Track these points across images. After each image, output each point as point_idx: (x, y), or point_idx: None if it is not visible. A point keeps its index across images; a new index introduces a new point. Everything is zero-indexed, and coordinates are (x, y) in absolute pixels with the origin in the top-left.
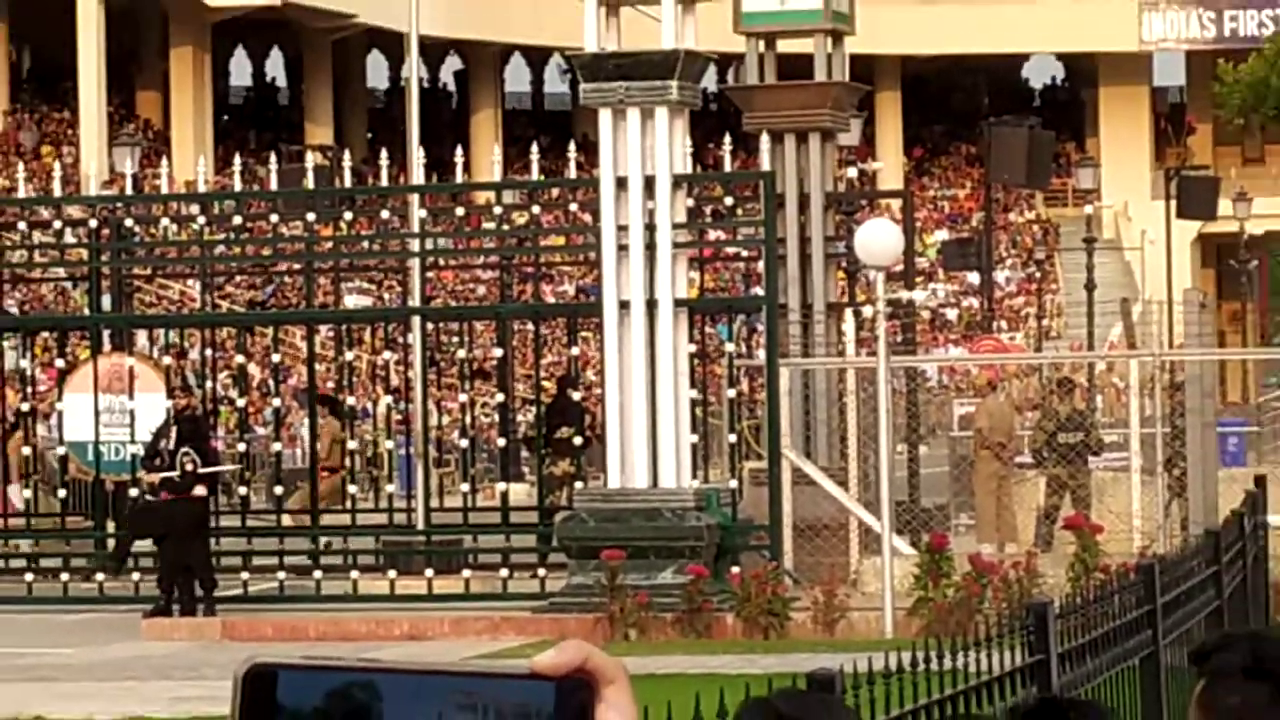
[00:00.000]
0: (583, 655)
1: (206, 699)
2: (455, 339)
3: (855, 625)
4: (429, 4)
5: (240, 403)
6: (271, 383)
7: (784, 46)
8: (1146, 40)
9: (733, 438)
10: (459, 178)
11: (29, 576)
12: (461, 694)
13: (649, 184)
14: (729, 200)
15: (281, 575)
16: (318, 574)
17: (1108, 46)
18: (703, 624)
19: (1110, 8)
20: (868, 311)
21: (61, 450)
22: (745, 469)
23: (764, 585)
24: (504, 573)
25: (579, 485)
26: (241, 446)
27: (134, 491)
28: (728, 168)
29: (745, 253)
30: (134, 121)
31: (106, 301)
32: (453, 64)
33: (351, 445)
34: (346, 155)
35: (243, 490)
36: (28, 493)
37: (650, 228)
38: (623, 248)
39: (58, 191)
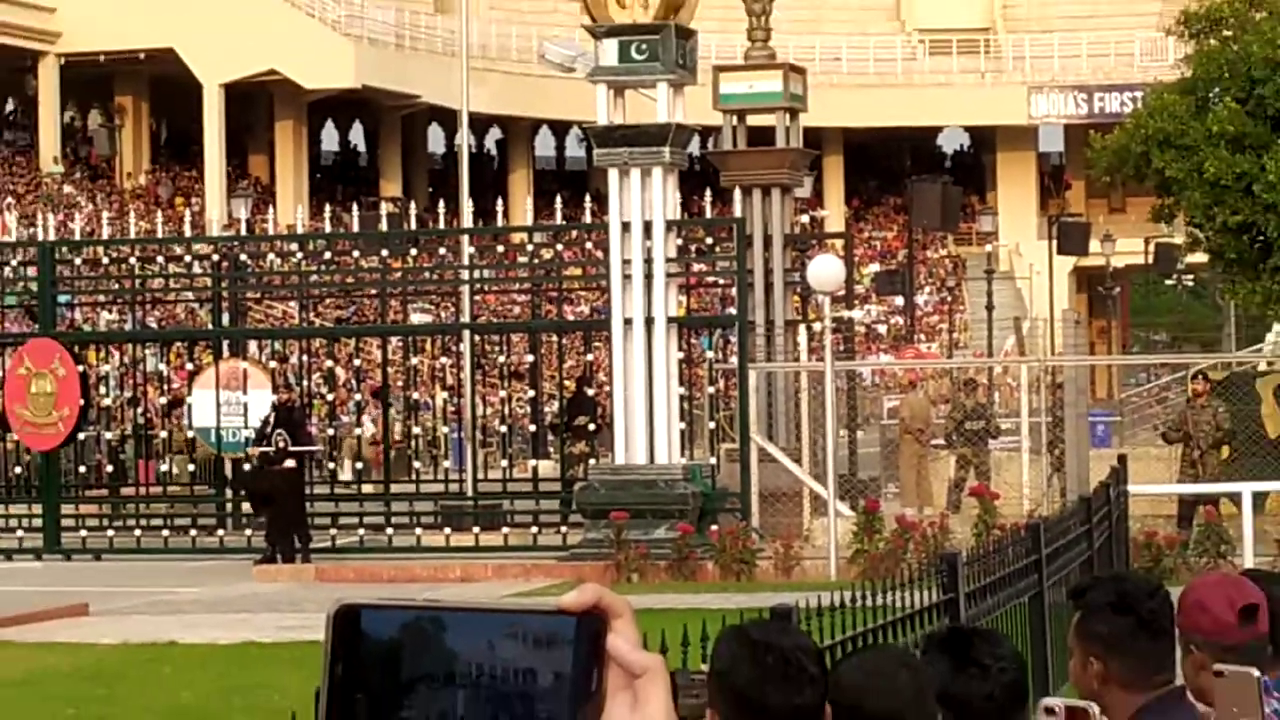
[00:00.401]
0: (596, 595)
1: (304, 628)
2: (496, 348)
3: (807, 570)
4: (476, 87)
5: (329, 397)
6: (354, 382)
7: (752, 120)
8: (1034, 116)
9: (712, 425)
10: (499, 222)
11: (165, 532)
12: (505, 626)
13: (647, 227)
14: (709, 240)
15: (361, 531)
16: (389, 530)
17: (1003, 121)
18: (689, 570)
19: (1005, 91)
20: (817, 327)
21: (191, 434)
22: (721, 449)
23: (736, 540)
24: (534, 530)
25: (593, 461)
26: (330, 431)
27: (246, 466)
28: (708, 214)
29: (721, 281)
30: (247, 179)
31: (226, 318)
32: (494, 134)
33: (416, 430)
34: (412, 205)
35: (331, 465)
36: (164, 466)
37: (648, 261)
38: (626, 277)
39: (188, 233)
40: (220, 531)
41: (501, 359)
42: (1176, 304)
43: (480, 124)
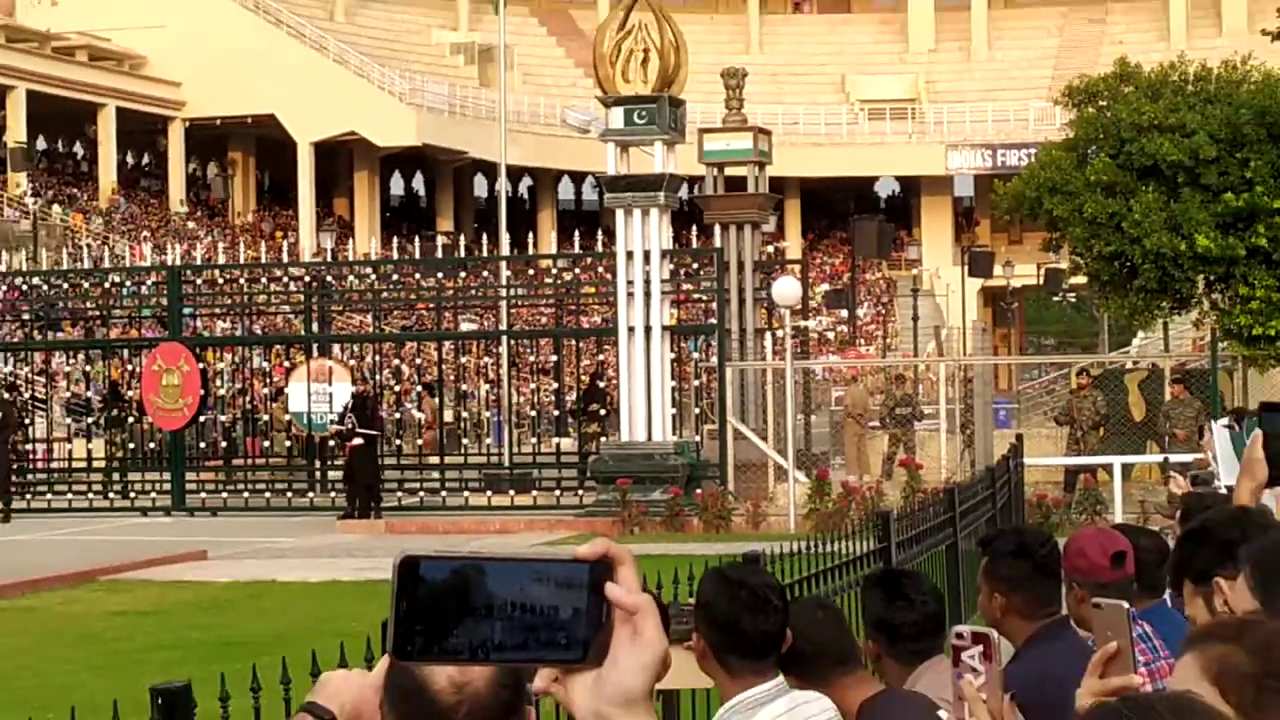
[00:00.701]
0: (605, 547)
1: (377, 570)
2: (527, 350)
3: (772, 524)
4: (511, 145)
5: (396, 389)
6: (415, 376)
7: (729, 171)
8: (950, 168)
9: (696, 411)
10: (530, 251)
11: (267, 494)
12: (533, 572)
13: (646, 255)
14: (694, 265)
15: (421, 494)
16: (443, 493)
17: (926, 172)
18: (678, 524)
19: (927, 149)
20: (779, 333)
21: (288, 417)
22: (704, 430)
23: (715, 500)
24: (557, 492)
25: (603, 439)
26: (396, 416)
27: (330, 442)
28: (694, 245)
29: (704, 297)
30: (331, 217)
31: (315, 326)
32: (526, 182)
33: (464, 415)
34: (461, 238)
35: (397, 442)
36: (267, 442)
37: (646, 282)
38: (630, 294)
39: (285, 259)
40: (310, 494)
41: (531, 358)
42: (1062, 316)
43: (515, 174)
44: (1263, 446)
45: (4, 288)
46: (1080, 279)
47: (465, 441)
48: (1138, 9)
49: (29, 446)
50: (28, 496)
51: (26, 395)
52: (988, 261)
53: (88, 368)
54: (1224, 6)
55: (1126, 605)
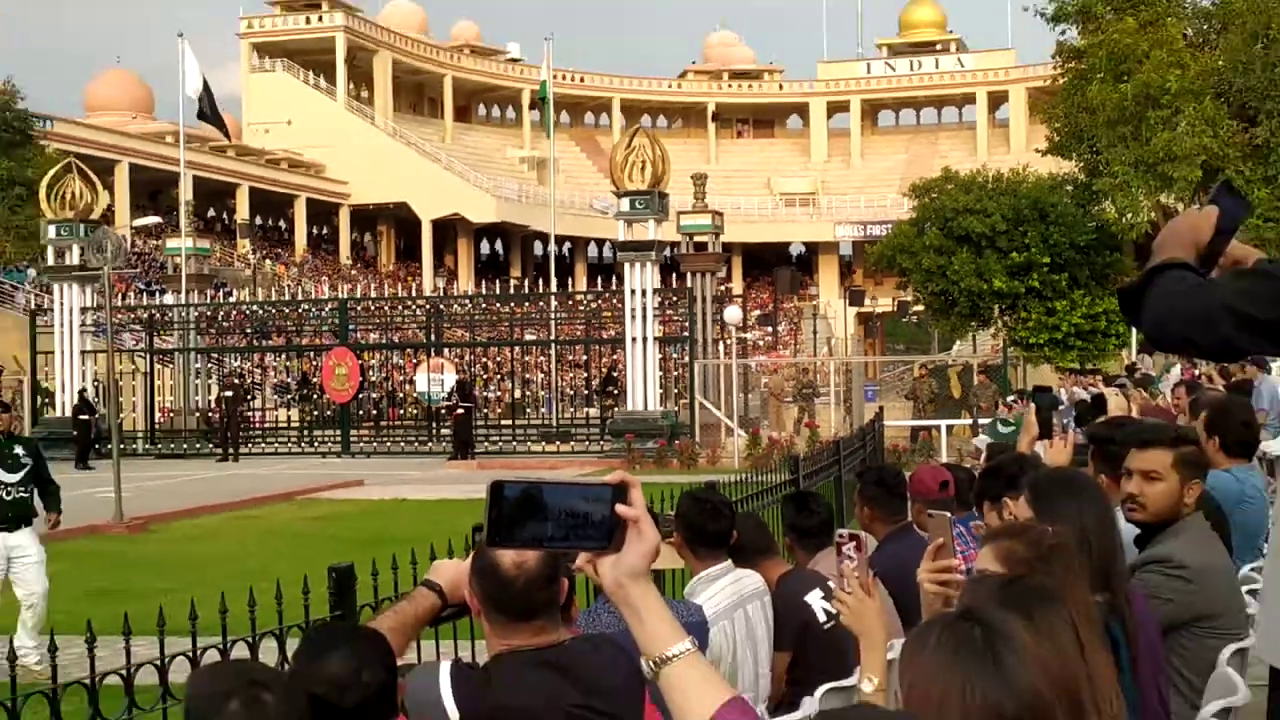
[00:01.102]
0: (621, 476)
1: (473, 491)
2: (568, 352)
3: (723, 464)
4: (558, 220)
5: (484, 377)
6: (496, 369)
7: (696, 238)
8: (837, 237)
9: (675, 391)
10: (569, 289)
11: (402, 444)
12: (577, 491)
13: (643, 293)
14: (674, 298)
15: (500, 443)
16: (514, 443)
17: (822, 239)
18: (664, 463)
19: (823, 224)
20: (728, 342)
21: (416, 395)
22: (680, 403)
23: (687, 448)
24: (587, 443)
25: (616, 409)
26: (485, 395)
27: (443, 411)
28: (674, 286)
29: (680, 319)
30: (443, 267)
31: (432, 337)
32: (567, 245)
33: (527, 394)
34: (525, 282)
35: (485, 411)
36: (401, 411)
37: (643, 309)
38: (633, 317)
39: (413, 294)
40: (429, 444)
41: (570, 358)
42: (908, 331)
43: (560, 240)
44: (1035, 414)
45: (235, 312)
46: (919, 307)
47: (528, 410)
48: (956, 135)
49: (251, 414)
50: (249, 446)
51: (249, 381)
52: (860, 296)
53: (288, 364)
54: (1011, 133)
55: (949, 515)
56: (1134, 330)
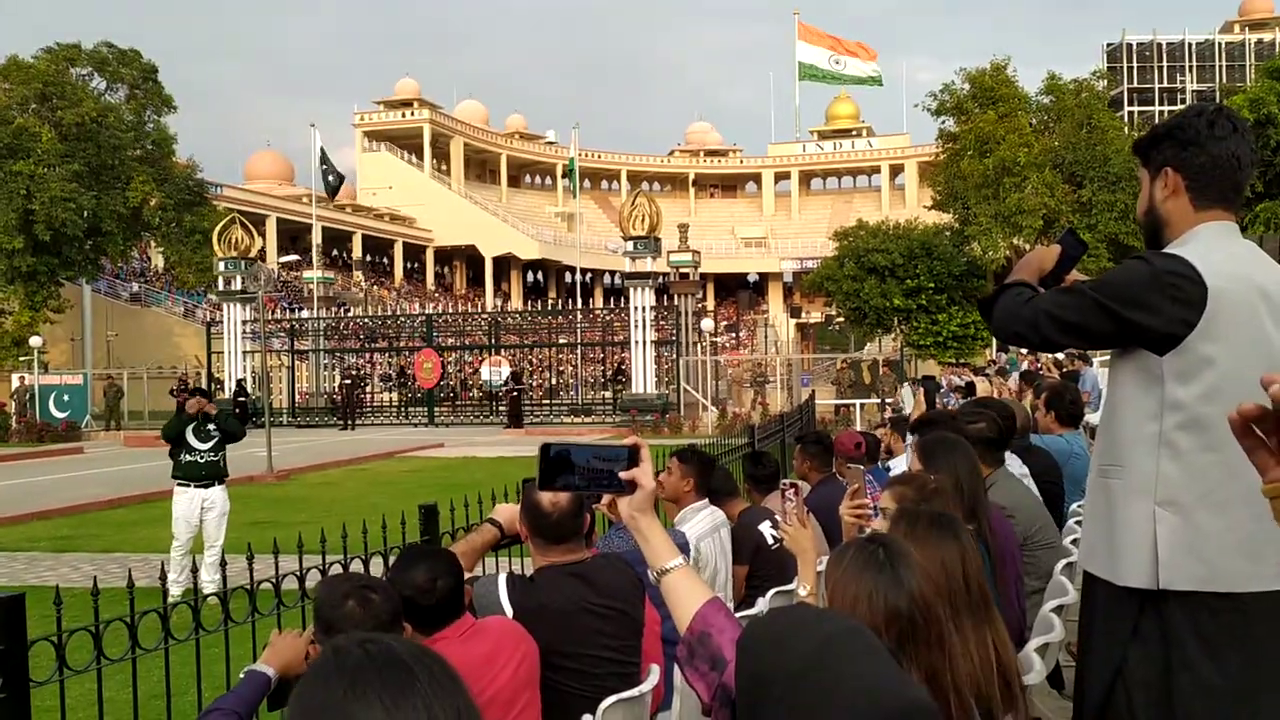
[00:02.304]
0: (635, 440)
1: (523, 450)
2: (589, 352)
3: (701, 431)
4: (583, 257)
5: (530, 369)
6: (539, 363)
7: (682, 270)
8: (783, 269)
9: (667, 379)
10: (590, 307)
11: (471, 417)
12: (600, 450)
13: (644, 309)
14: (666, 313)
15: (542, 416)
16: (552, 416)
17: (771, 270)
18: (659, 431)
19: (771, 260)
20: (704, 344)
21: (482, 382)
22: (670, 388)
23: (675, 420)
24: (604, 416)
25: (624, 392)
26: (530, 381)
27: (500, 393)
28: (665, 304)
29: (670, 328)
30: (500, 291)
31: (493, 340)
32: (589, 275)
33: (561, 381)
34: (559, 302)
35: (530, 393)
36: (470, 394)
37: (644, 321)
38: (637, 326)
39: (479, 311)
40: (490, 417)
41: (591, 356)
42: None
43: (583, 271)
44: (924, 395)
45: (352, 324)
46: (841, 319)
47: (561, 393)
48: (866, 196)
49: (363, 396)
50: (362, 419)
51: (362, 373)
52: (798, 311)
53: (389, 360)
54: (906, 194)
55: (862, 468)
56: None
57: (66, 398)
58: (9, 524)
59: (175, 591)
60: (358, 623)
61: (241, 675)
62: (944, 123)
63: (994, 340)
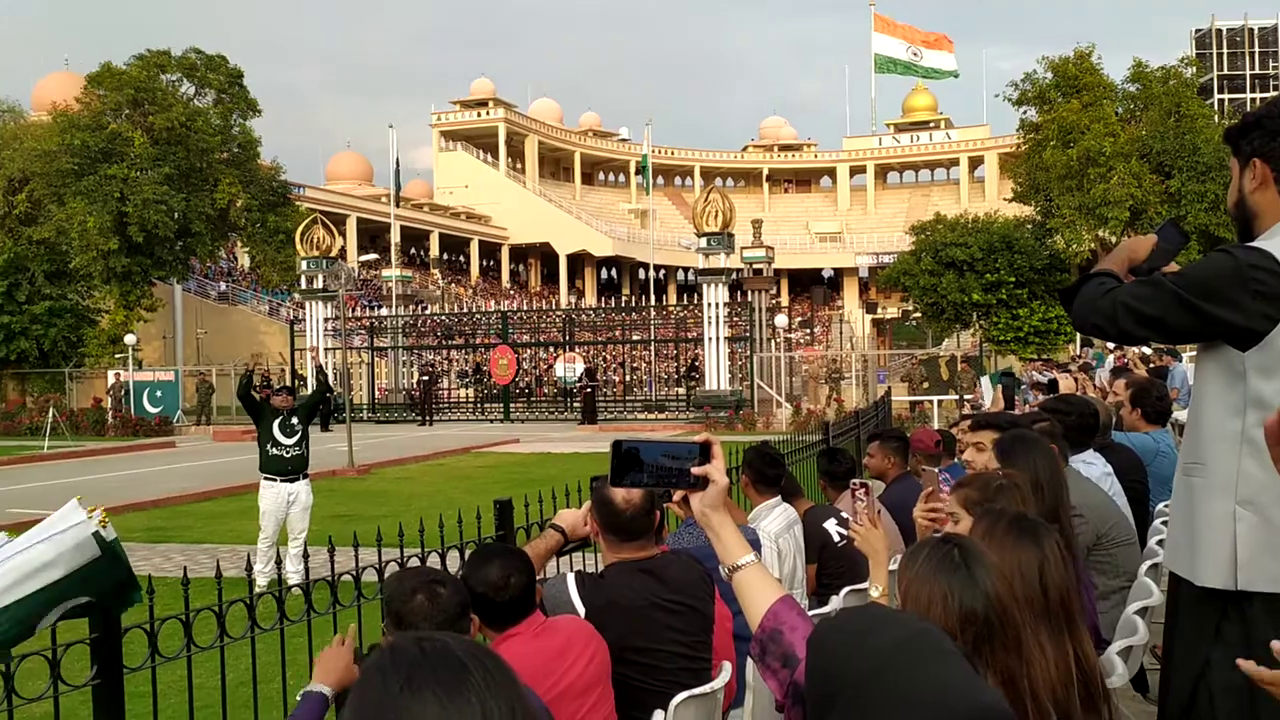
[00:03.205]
0: (706, 437)
1: (597, 446)
2: (664, 348)
3: (774, 427)
4: (656, 254)
5: (604, 366)
6: (613, 360)
7: (755, 265)
8: (857, 264)
9: (740, 375)
10: (664, 303)
11: (546, 413)
12: (669, 448)
13: (717, 305)
14: (739, 308)
15: (616, 412)
16: (626, 412)
17: (846, 265)
18: (732, 427)
19: (847, 255)
20: (778, 340)
21: (556, 378)
22: (743, 383)
23: (748, 416)
24: (678, 413)
25: (697, 388)
26: (605, 378)
27: (574, 390)
28: (739, 300)
29: (744, 324)
30: (574, 288)
31: (567, 337)
32: (663, 271)
33: (635, 378)
34: (633, 299)
35: (605, 389)
36: (545, 390)
37: (717, 317)
38: (710, 322)
39: (553, 308)
40: (564, 413)
41: (664, 352)
42: (909, 332)
43: (657, 268)
44: (1001, 391)
45: (430, 321)
46: (917, 314)
47: (635, 389)
48: (944, 189)
49: (440, 392)
50: (439, 415)
51: (440, 369)
52: (874, 307)
53: (466, 357)
54: (986, 187)
55: (936, 470)
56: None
57: (159, 393)
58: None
59: (261, 582)
60: (426, 616)
61: (299, 699)
62: (1026, 113)
63: (1078, 335)
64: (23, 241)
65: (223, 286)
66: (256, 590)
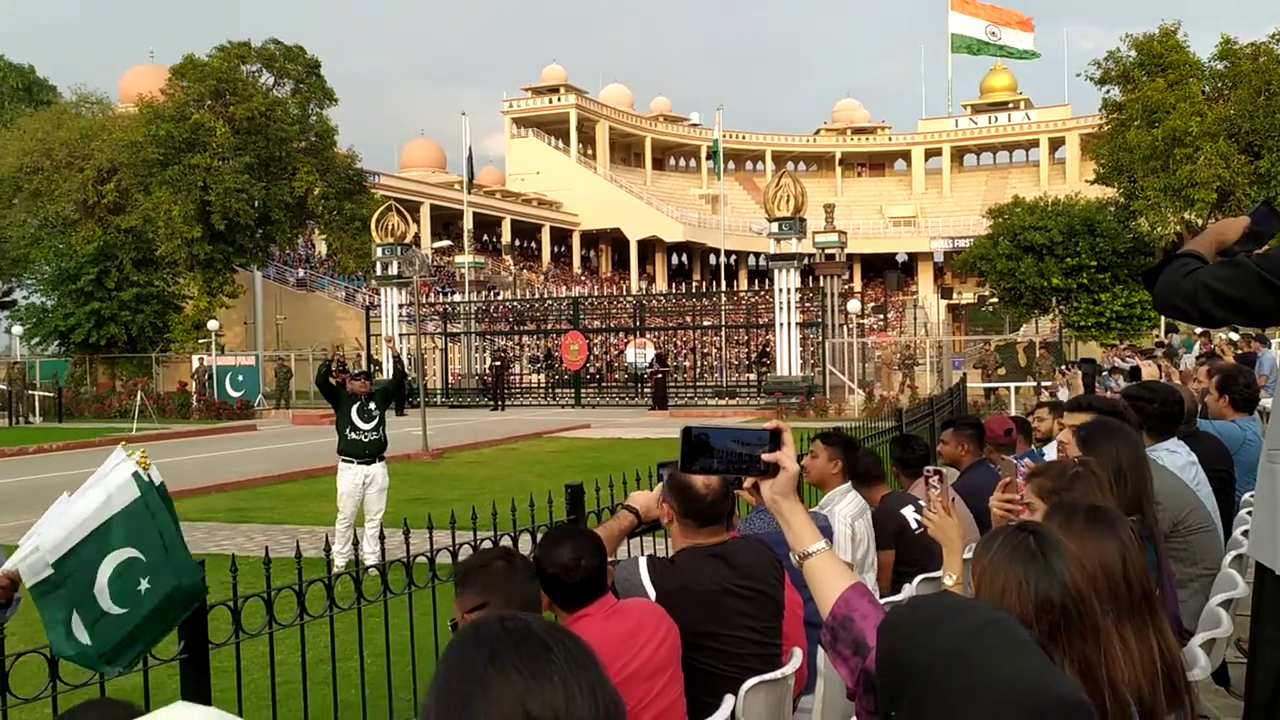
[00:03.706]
0: (776, 424)
1: (667, 432)
2: (735, 334)
3: (846, 414)
4: (727, 239)
5: (675, 351)
6: (683, 346)
7: (827, 250)
8: (932, 249)
9: (812, 361)
10: (735, 289)
11: (616, 399)
12: (739, 435)
13: (788, 290)
14: (810, 294)
15: (687, 398)
16: (696, 398)
17: (920, 250)
18: (803, 414)
19: (921, 239)
20: (850, 326)
21: (627, 364)
22: (815, 369)
23: (820, 402)
24: (749, 399)
25: (768, 374)
26: (675, 364)
27: (645, 376)
28: (810, 285)
29: (815, 309)
30: (645, 274)
31: (638, 323)
32: (734, 257)
33: (706, 363)
34: (703, 285)
35: (676, 375)
36: (616, 375)
37: (788, 303)
38: (781, 308)
39: (624, 293)
40: (635, 399)
41: (735, 338)
42: (986, 317)
43: (728, 253)
44: (1080, 378)
45: (502, 307)
46: (994, 300)
47: (705, 375)
48: (1022, 171)
49: (512, 377)
50: (511, 400)
51: (511, 355)
52: (949, 292)
53: (537, 342)
54: (1066, 169)
55: (1014, 459)
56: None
57: (241, 378)
58: (191, 495)
59: (339, 562)
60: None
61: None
62: (1109, 92)
63: (1162, 320)
64: (111, 230)
65: (301, 273)
66: (335, 570)
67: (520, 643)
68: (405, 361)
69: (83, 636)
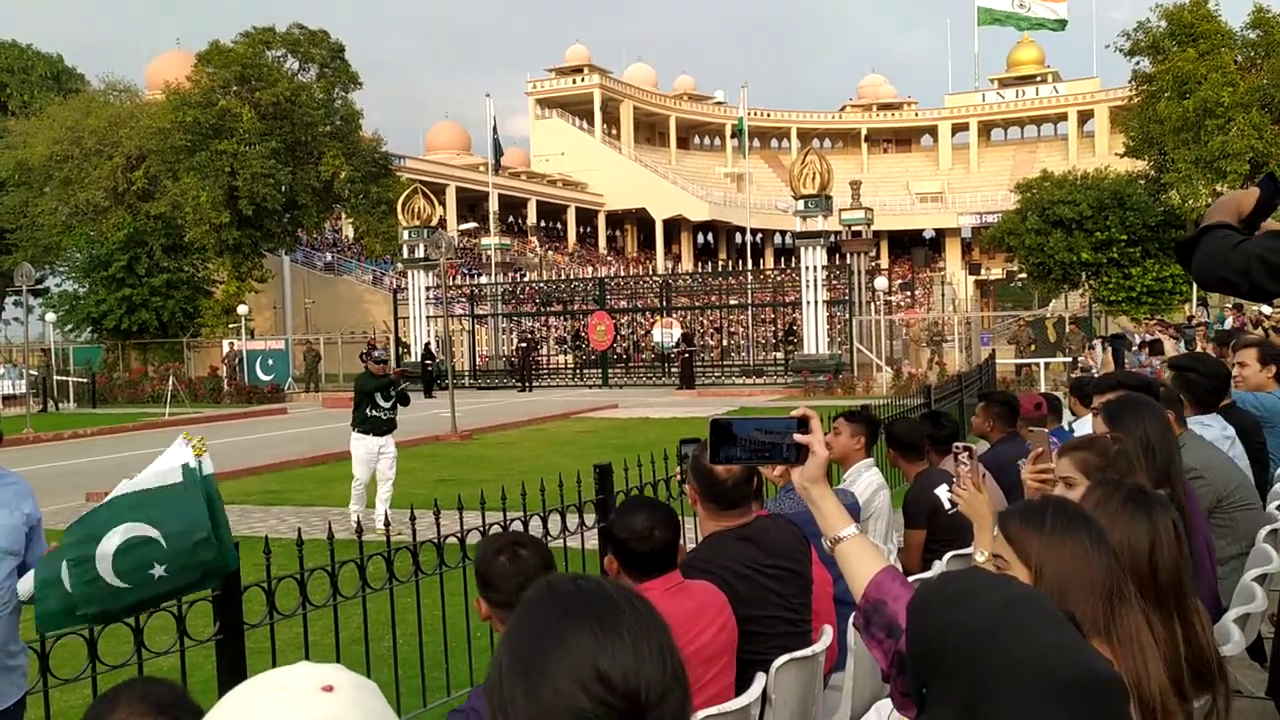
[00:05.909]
0: (804, 411)
1: (695, 411)
2: (761, 313)
3: (874, 392)
4: (753, 217)
5: (701, 330)
6: (710, 324)
7: (854, 228)
8: (960, 224)
9: (840, 339)
10: (761, 267)
11: (643, 378)
12: (764, 423)
13: (815, 268)
14: (837, 272)
15: (713, 378)
16: (723, 378)
17: (948, 225)
18: (831, 391)
19: (949, 214)
20: (878, 303)
21: (653, 343)
22: (842, 347)
23: (848, 380)
24: (775, 378)
25: (795, 352)
26: (703, 343)
27: (671, 355)
28: (837, 263)
29: (842, 287)
30: (670, 253)
31: (664, 302)
32: (759, 235)
33: (733, 342)
34: (729, 264)
35: (703, 354)
36: (643, 355)
37: (815, 281)
38: (808, 285)
39: (650, 273)
40: (662, 378)
41: (762, 317)
42: (1014, 293)
43: (754, 231)
44: (1111, 354)
45: (528, 288)
46: (1023, 275)
47: (732, 354)
48: (1051, 145)
49: (539, 358)
50: (538, 381)
51: (538, 336)
52: (977, 268)
53: (564, 323)
54: (1096, 142)
55: (1046, 431)
56: (1194, 287)
57: (270, 362)
58: (224, 478)
59: (356, 508)
60: (508, 577)
61: None
62: (1139, 63)
63: (1194, 294)
64: (141, 217)
65: (328, 257)
66: (360, 529)
67: (593, 599)
68: (433, 345)
69: (67, 584)
